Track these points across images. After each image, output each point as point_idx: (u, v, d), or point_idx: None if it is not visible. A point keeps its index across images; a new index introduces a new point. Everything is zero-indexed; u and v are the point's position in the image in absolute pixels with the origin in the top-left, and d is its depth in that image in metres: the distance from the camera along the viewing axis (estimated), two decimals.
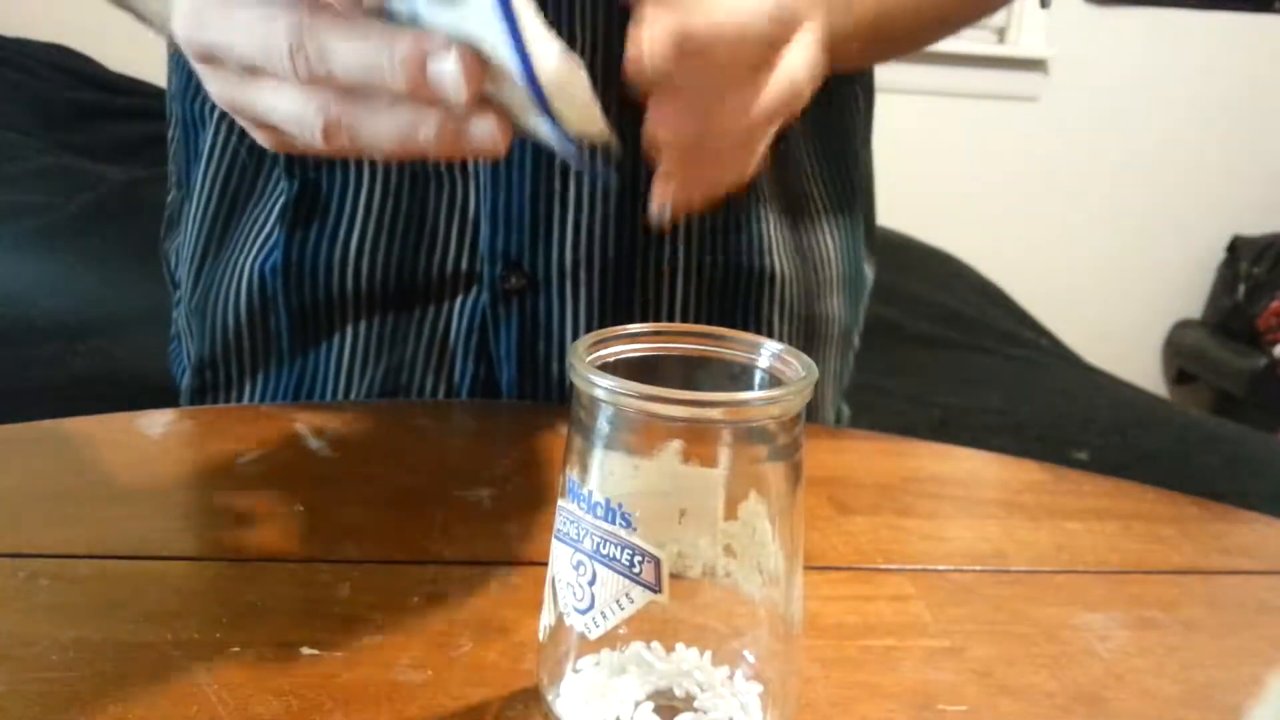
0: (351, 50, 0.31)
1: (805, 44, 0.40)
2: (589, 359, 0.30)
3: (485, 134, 0.31)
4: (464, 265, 0.57)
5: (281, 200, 0.58)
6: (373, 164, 0.56)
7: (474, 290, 0.58)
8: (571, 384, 0.29)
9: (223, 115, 0.59)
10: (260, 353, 0.60)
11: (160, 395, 0.63)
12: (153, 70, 1.66)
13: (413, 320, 0.59)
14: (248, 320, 0.59)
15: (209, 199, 0.60)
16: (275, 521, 0.44)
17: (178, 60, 0.63)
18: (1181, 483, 0.55)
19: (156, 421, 0.53)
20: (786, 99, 0.39)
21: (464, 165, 0.56)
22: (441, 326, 0.59)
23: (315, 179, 0.57)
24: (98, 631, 0.35)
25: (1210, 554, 0.48)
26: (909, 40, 0.61)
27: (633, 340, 0.32)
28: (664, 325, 0.32)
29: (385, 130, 0.32)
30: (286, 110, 0.33)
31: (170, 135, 0.66)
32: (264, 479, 0.47)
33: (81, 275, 1.19)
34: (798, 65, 0.39)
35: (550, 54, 0.29)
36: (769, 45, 0.38)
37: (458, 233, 0.57)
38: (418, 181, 0.56)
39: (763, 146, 0.40)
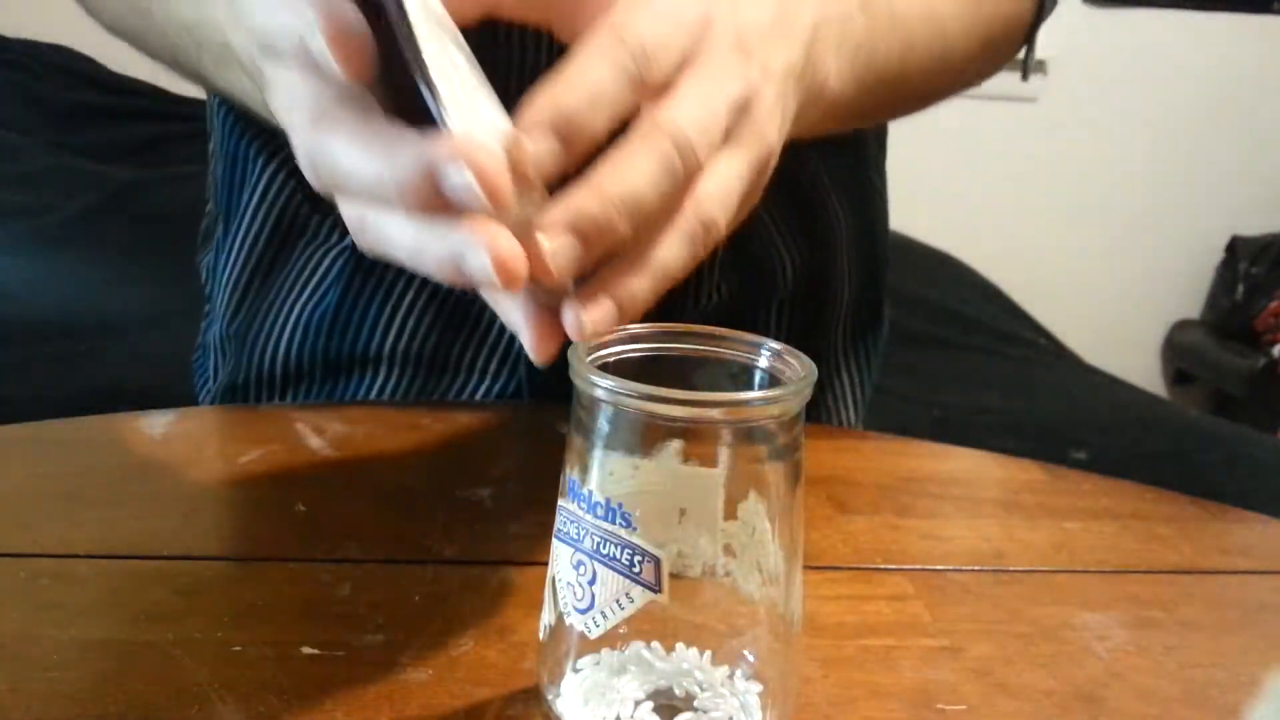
0: (354, 163, 0.27)
1: (769, 99, 0.32)
2: (589, 359, 0.30)
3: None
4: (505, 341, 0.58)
5: (341, 254, 0.58)
6: None
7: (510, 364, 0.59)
8: (572, 384, 0.29)
9: (273, 154, 0.60)
10: (294, 387, 0.61)
11: (161, 396, 0.63)
12: (154, 71, 1.65)
13: (453, 377, 0.60)
14: (287, 359, 0.60)
15: (258, 232, 0.61)
16: (275, 521, 0.44)
17: (219, 98, 0.63)
18: (1180, 483, 0.55)
19: (157, 421, 0.53)
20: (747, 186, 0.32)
21: None
22: (483, 377, 0.60)
23: None
24: (99, 631, 0.35)
25: (1209, 554, 0.48)
26: (910, 92, 0.52)
27: (633, 340, 0.32)
28: (664, 325, 0.32)
29: (399, 244, 0.28)
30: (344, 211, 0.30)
31: (210, 150, 0.66)
32: (264, 479, 0.47)
33: (82, 275, 1.19)
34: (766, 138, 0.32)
35: None
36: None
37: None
38: None
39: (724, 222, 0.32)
